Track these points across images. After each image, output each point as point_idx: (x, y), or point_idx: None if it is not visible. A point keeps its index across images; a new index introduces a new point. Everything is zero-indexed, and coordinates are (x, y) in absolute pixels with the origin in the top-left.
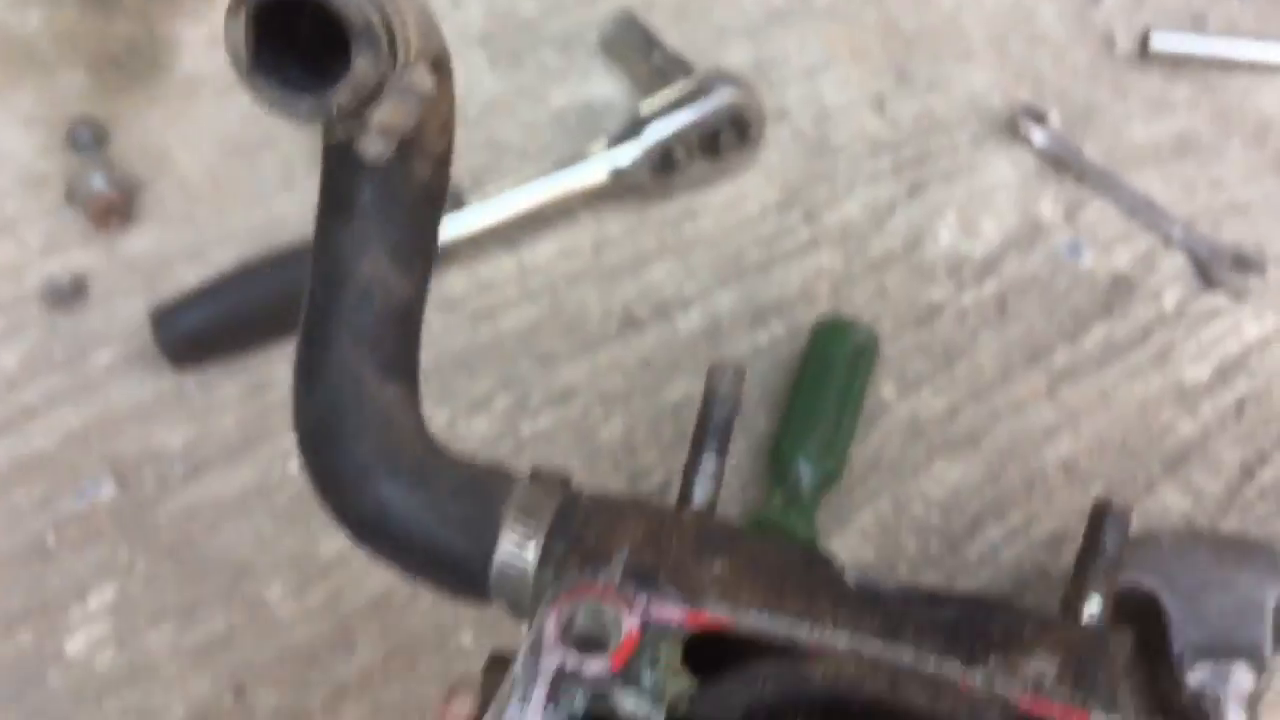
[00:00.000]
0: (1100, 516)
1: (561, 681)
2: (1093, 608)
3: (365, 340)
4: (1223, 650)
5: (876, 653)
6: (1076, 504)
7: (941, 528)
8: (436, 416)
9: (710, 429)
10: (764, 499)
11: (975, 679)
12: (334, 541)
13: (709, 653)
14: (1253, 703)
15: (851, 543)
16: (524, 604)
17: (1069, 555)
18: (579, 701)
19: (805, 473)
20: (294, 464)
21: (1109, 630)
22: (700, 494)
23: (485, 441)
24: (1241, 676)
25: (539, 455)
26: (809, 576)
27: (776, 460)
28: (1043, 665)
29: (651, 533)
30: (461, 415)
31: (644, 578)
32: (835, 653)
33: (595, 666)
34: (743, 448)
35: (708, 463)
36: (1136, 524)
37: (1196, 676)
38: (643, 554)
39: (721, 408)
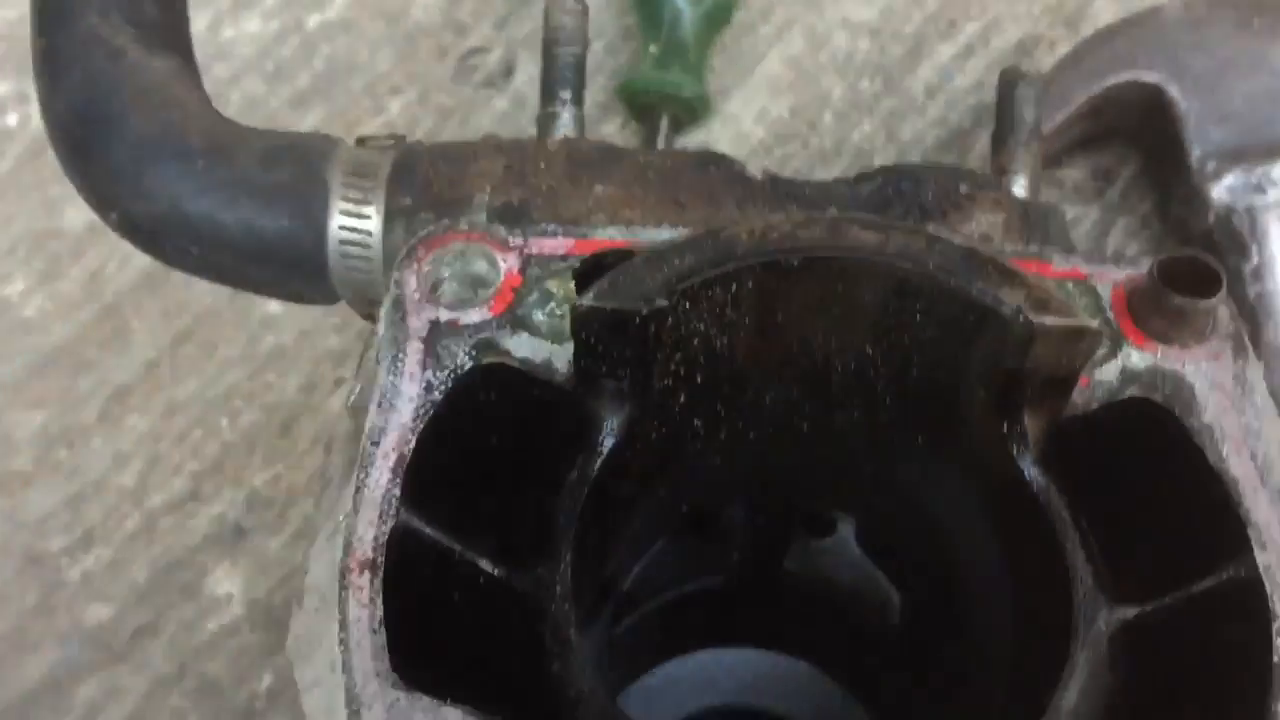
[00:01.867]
0: (1010, 86)
1: (437, 338)
2: (1019, 188)
3: (116, 6)
4: (1256, 150)
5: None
6: None
7: (874, 59)
8: (192, 24)
9: (557, 75)
10: (638, 57)
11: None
12: (83, 209)
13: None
14: None
15: (759, 98)
16: (378, 288)
17: (1044, 62)
18: (461, 356)
19: (683, 11)
20: (12, 116)
21: (1047, 203)
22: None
23: (262, 47)
24: None
25: (336, 53)
26: (706, 180)
27: (643, 2)
28: (985, 225)
29: (513, 168)
30: (226, 15)
31: (514, 215)
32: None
33: (474, 315)
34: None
35: (564, 112)
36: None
37: (1223, 188)
38: (508, 191)
39: (567, 46)
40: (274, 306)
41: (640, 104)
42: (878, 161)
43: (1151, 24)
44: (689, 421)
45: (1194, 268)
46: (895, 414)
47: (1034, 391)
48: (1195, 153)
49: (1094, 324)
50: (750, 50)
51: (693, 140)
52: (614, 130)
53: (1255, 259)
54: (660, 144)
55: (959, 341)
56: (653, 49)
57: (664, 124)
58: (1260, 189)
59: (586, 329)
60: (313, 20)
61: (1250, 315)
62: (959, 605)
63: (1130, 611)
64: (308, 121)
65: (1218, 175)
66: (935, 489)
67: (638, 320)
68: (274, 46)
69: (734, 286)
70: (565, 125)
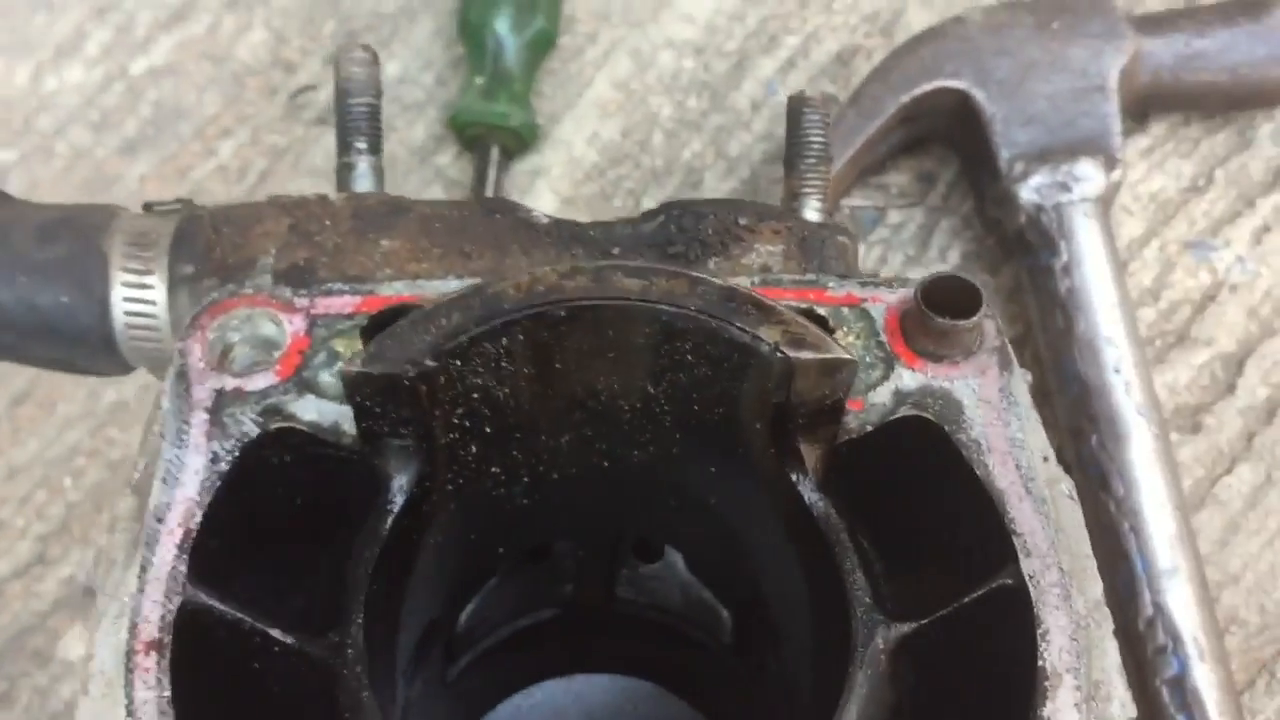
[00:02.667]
0: (797, 113)
1: (223, 406)
2: (811, 212)
3: None
4: (1060, 150)
5: (580, 266)
6: (864, 7)
7: (699, 77)
8: (13, 76)
9: (351, 126)
10: (463, 89)
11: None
12: None
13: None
14: (1103, 207)
15: (589, 122)
16: (170, 356)
17: (862, 71)
18: (248, 423)
19: (506, 41)
20: None
21: (834, 225)
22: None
23: (86, 96)
24: (1087, 176)
25: (163, 98)
26: (493, 227)
27: (467, 34)
28: (765, 255)
29: (299, 227)
30: (47, 67)
31: (300, 276)
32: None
33: (260, 380)
34: (428, 31)
35: (360, 162)
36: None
37: (1031, 188)
38: (294, 252)
39: (359, 97)
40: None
41: (470, 135)
42: (708, 179)
43: (956, 31)
44: (486, 469)
45: (956, 288)
46: (686, 447)
47: (805, 420)
48: (1004, 155)
49: (847, 355)
50: (578, 74)
51: (525, 166)
52: (448, 161)
53: (1065, 255)
54: (491, 174)
55: (729, 378)
56: (479, 80)
57: (494, 154)
58: (1066, 187)
59: (359, 393)
60: (137, 66)
61: (1063, 310)
62: (776, 623)
63: (907, 627)
64: (136, 170)
65: (1026, 176)
66: (737, 515)
67: (407, 383)
68: (98, 95)
69: (504, 340)
70: (363, 175)
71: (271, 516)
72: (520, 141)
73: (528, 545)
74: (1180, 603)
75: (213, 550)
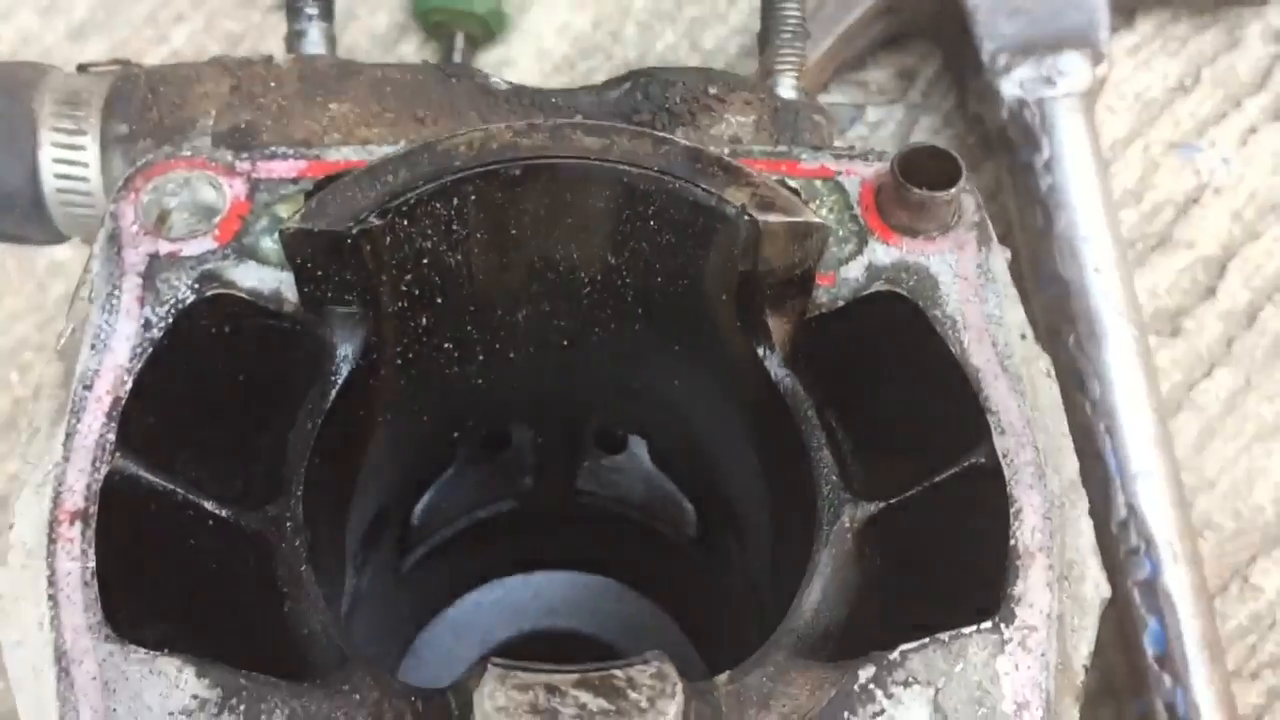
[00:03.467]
0: None
1: (157, 271)
2: (785, 89)
3: None
4: (1045, 42)
5: (537, 123)
6: None
7: None
8: None
9: None
10: None
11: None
12: None
13: None
14: (1088, 103)
15: (559, 12)
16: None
17: None
18: (183, 289)
19: None
20: None
21: (809, 102)
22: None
23: None
24: (1073, 70)
25: None
26: (449, 92)
27: None
28: (735, 126)
29: (241, 89)
30: None
31: (242, 139)
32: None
33: (197, 245)
34: None
35: (311, 29)
36: None
37: (1014, 82)
38: (236, 114)
39: None
40: (61, 252)
41: (434, 22)
42: None
43: None
44: (437, 344)
45: (934, 160)
46: (647, 324)
47: (773, 291)
48: (987, 47)
49: (818, 219)
50: None
51: (491, 58)
52: (411, 50)
53: (1046, 152)
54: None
55: (694, 245)
56: None
57: (459, 42)
58: (1049, 81)
59: (299, 253)
60: None
61: (1043, 207)
62: (740, 512)
63: (875, 507)
64: (86, 55)
65: (1008, 69)
66: (702, 397)
67: (350, 241)
68: None
69: (455, 200)
70: (314, 44)
71: (209, 389)
72: (486, 30)
73: (484, 431)
74: (1154, 505)
75: (144, 420)
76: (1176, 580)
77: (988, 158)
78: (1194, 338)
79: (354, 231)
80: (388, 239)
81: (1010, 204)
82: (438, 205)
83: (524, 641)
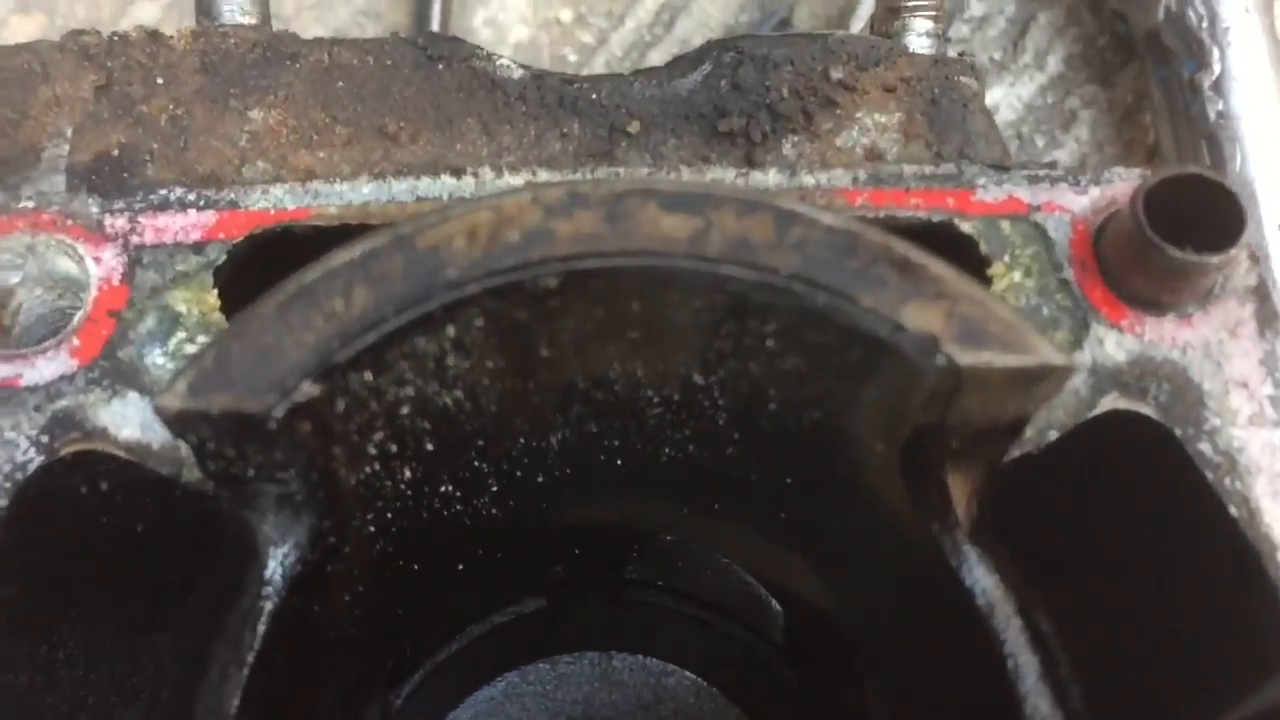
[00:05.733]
0: None
1: None
2: (919, 37)
3: None
4: None
5: (582, 187)
6: None
7: None
8: None
9: None
10: None
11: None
12: None
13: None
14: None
15: None
16: None
17: None
18: (24, 444)
19: None
20: None
21: (954, 60)
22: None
23: None
24: None
25: None
26: (433, 86)
27: None
28: (874, 131)
29: (112, 89)
30: None
31: (114, 173)
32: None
33: (47, 366)
34: None
35: None
36: None
37: None
38: (103, 131)
39: None
40: None
41: None
42: None
43: None
44: (431, 491)
45: (1195, 194)
46: (748, 450)
47: (961, 445)
48: None
49: (1060, 359)
50: None
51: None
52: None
53: (1216, 69)
54: None
55: (840, 378)
56: None
57: None
58: None
59: (192, 434)
60: None
61: (1210, 142)
62: (863, 653)
63: None
64: None
65: None
66: (821, 538)
67: (274, 425)
68: None
69: (451, 330)
70: (236, 1)
71: (82, 570)
72: None
73: (500, 556)
74: None
75: None
76: None
77: (1125, 66)
78: None
79: (277, 415)
80: (340, 405)
81: (1161, 133)
82: (421, 342)
83: None
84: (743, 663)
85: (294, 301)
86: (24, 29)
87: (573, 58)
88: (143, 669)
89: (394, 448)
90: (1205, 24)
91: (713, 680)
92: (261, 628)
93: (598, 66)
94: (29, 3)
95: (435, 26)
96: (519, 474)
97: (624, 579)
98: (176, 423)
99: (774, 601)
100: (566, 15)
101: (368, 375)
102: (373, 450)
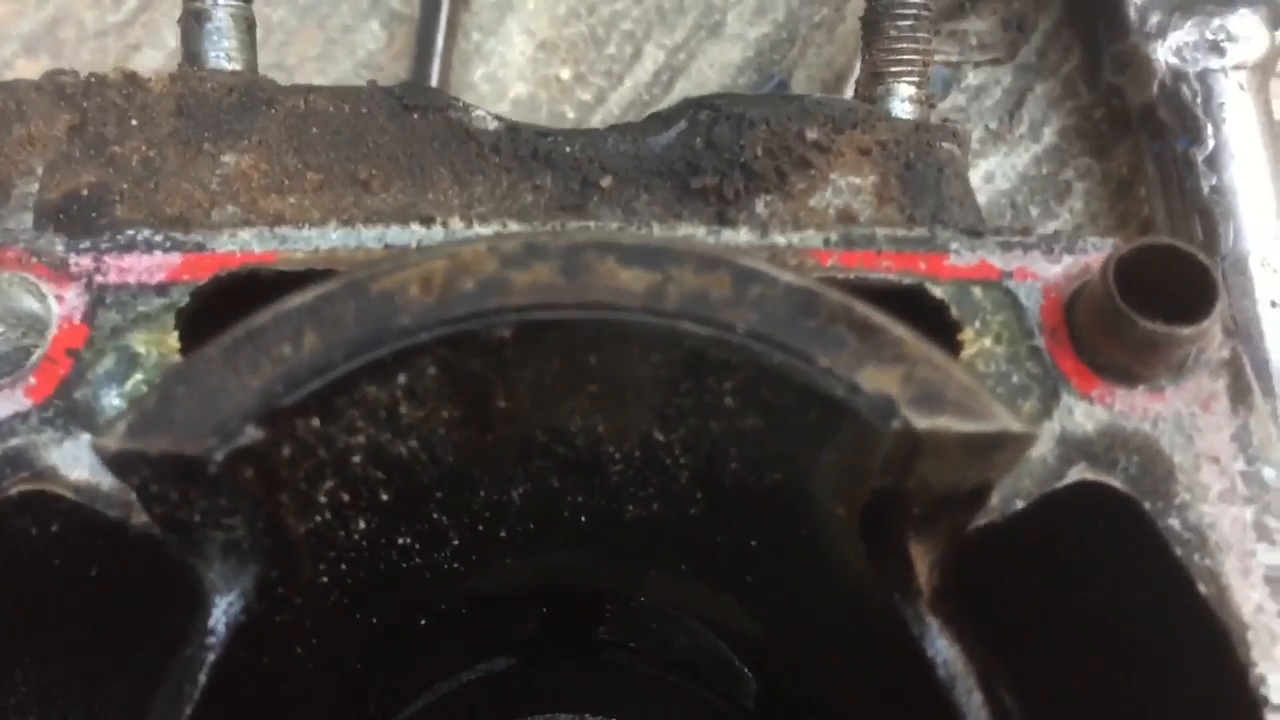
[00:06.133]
0: None
1: None
2: (902, 102)
3: None
4: None
5: (540, 238)
6: None
7: None
8: None
9: None
10: None
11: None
12: None
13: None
14: (1263, 77)
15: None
16: None
17: None
18: None
19: None
20: None
21: (937, 125)
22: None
23: None
24: (1247, 35)
25: None
26: (406, 137)
27: None
28: (847, 192)
29: (87, 130)
30: None
31: (83, 213)
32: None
33: (2, 407)
34: None
35: (216, 9)
36: None
37: (1169, 48)
38: (75, 171)
39: None
40: None
41: None
42: (731, 21)
43: None
44: (388, 543)
45: (1166, 264)
46: (712, 511)
47: (923, 511)
48: (1135, 0)
49: (1018, 427)
50: None
51: None
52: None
53: (1210, 144)
54: (444, 7)
55: (798, 440)
56: None
57: None
58: (1217, 49)
59: (133, 476)
60: None
61: (1203, 217)
62: (823, 710)
63: None
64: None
65: (1163, 31)
66: (785, 599)
67: (215, 469)
68: None
69: (403, 378)
70: (219, 32)
71: (34, 613)
72: None
73: (465, 612)
74: None
75: None
76: None
77: (1121, 140)
78: None
79: (218, 459)
80: (286, 450)
81: (1155, 206)
82: (372, 389)
83: None
84: None
85: (242, 345)
86: (30, 72)
87: (571, 115)
88: (98, 718)
89: (346, 497)
90: (1200, 99)
91: None
92: (202, 678)
93: (595, 125)
94: (36, 47)
95: (434, 80)
96: (481, 528)
97: (596, 639)
98: (115, 464)
99: (745, 669)
100: (566, 74)
101: (315, 421)
102: (323, 499)
